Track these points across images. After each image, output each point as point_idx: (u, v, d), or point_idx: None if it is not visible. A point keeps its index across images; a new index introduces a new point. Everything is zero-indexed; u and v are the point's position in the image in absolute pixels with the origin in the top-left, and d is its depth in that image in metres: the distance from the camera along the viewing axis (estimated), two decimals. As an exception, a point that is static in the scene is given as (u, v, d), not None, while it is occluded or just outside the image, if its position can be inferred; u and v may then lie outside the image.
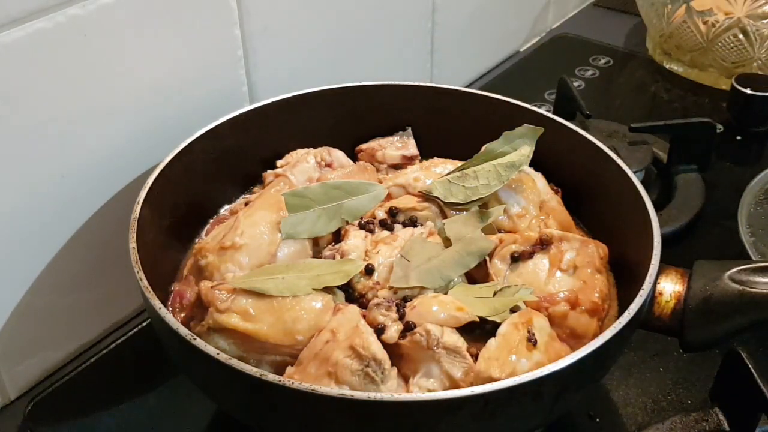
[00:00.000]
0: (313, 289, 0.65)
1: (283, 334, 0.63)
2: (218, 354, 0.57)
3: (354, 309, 0.65)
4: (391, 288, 0.67)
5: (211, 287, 0.65)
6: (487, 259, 0.71)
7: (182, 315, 0.68)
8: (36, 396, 0.78)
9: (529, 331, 0.63)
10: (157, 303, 0.61)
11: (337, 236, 0.74)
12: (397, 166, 0.86)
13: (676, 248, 0.83)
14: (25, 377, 0.80)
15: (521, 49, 1.44)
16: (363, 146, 0.88)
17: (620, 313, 0.63)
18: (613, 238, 0.75)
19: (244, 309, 0.63)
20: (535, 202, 0.77)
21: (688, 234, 0.97)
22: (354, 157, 0.88)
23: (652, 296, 0.67)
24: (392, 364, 0.62)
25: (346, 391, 0.56)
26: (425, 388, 0.61)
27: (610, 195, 0.78)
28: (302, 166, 0.81)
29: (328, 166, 0.83)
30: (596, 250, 0.72)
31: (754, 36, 1.20)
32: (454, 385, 0.61)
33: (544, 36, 1.48)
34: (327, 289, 0.66)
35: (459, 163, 0.78)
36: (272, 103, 0.85)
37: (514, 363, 0.61)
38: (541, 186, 0.79)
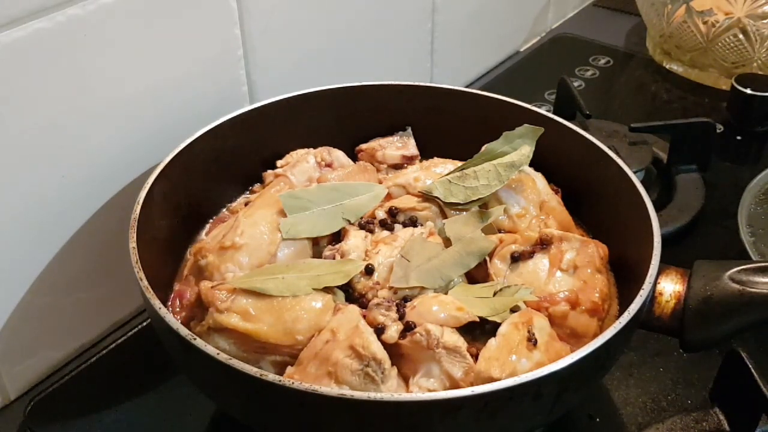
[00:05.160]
0: (313, 289, 0.65)
1: (283, 334, 0.63)
2: (218, 354, 0.57)
3: (354, 309, 0.65)
4: (391, 288, 0.67)
5: (211, 287, 0.65)
6: (487, 259, 0.71)
7: (182, 315, 0.68)
8: (36, 396, 0.78)
9: (529, 331, 0.63)
10: (157, 303, 0.61)
11: (337, 236, 0.74)
12: (397, 166, 0.86)
13: (676, 248, 0.83)
14: (25, 377, 0.80)
15: (521, 49, 1.44)
16: (363, 146, 0.88)
17: (620, 313, 0.63)
18: (613, 238, 0.75)
19: (244, 309, 0.63)
20: (535, 202, 0.77)
21: (688, 234, 0.97)
22: (354, 157, 0.88)
23: (652, 296, 0.67)
24: (392, 364, 0.62)
25: (346, 391, 0.56)
26: (425, 388, 0.61)
27: (610, 195, 0.78)
28: (302, 166, 0.81)
29: (328, 166, 0.83)
30: (596, 250, 0.72)
31: (754, 36, 1.20)
32: (454, 385, 0.61)
33: (544, 36, 1.48)
34: (327, 289, 0.66)
35: (459, 163, 0.78)
36: (272, 103, 0.85)
37: (515, 363, 0.61)
38: (541, 186, 0.79)
